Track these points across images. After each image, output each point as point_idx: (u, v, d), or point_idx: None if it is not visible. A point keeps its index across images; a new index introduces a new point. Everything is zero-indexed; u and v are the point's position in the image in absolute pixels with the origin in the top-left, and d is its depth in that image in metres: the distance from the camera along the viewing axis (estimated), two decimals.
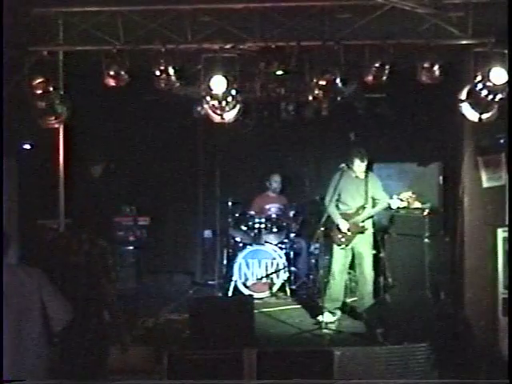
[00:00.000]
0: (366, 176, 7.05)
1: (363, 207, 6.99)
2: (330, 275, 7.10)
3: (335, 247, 7.07)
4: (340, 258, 7.04)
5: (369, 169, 7.13)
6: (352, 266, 7.26)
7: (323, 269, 7.41)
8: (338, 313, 7.11)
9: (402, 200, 6.86)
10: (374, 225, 7.21)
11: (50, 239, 4.66)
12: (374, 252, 7.22)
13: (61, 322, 3.82)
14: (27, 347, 3.65)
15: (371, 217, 7.08)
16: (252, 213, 8.56)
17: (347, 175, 7.01)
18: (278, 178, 8.93)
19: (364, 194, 6.99)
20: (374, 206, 7.05)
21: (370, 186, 7.02)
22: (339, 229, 6.96)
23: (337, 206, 7.09)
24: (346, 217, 7.00)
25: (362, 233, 6.98)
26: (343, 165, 6.95)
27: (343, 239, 6.96)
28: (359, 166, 6.99)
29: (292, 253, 8.50)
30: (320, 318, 6.82)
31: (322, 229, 6.91)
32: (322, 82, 6.08)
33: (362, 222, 6.96)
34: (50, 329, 3.78)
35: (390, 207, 6.98)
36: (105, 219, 8.08)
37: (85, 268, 4.23)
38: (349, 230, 6.96)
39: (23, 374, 3.59)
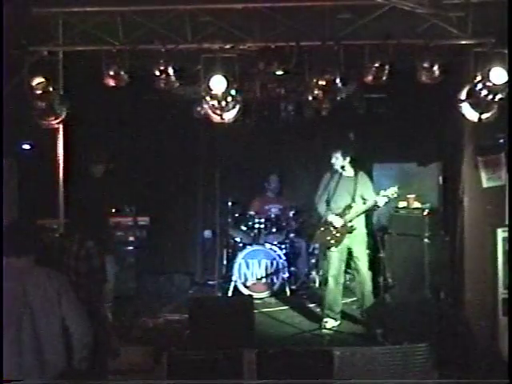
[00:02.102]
0: (356, 175, 6.97)
1: (350, 206, 6.88)
2: (326, 283, 6.97)
3: (331, 252, 6.91)
4: (335, 262, 6.89)
5: (358, 168, 7.03)
6: (350, 266, 7.20)
7: (323, 269, 7.37)
8: (339, 316, 7.00)
9: (388, 196, 6.78)
10: (367, 225, 7.09)
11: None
12: (369, 252, 7.12)
13: (83, 345, 3.78)
14: (45, 350, 3.64)
15: (358, 215, 6.89)
16: (252, 213, 8.56)
17: (337, 174, 6.91)
18: (277, 179, 8.93)
19: (352, 193, 6.90)
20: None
21: (360, 186, 6.93)
22: (333, 226, 6.83)
23: (327, 205, 6.95)
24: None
25: (351, 232, 6.85)
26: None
27: (333, 240, 6.83)
28: (343, 164, 6.86)
29: (292, 253, 8.50)
30: (324, 322, 6.79)
31: (322, 229, 6.91)
32: (322, 82, 6.08)
33: (350, 221, 6.85)
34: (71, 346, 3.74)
35: (377, 205, 6.84)
36: (104, 219, 8.06)
37: (74, 269, 4.22)
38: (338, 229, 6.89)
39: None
